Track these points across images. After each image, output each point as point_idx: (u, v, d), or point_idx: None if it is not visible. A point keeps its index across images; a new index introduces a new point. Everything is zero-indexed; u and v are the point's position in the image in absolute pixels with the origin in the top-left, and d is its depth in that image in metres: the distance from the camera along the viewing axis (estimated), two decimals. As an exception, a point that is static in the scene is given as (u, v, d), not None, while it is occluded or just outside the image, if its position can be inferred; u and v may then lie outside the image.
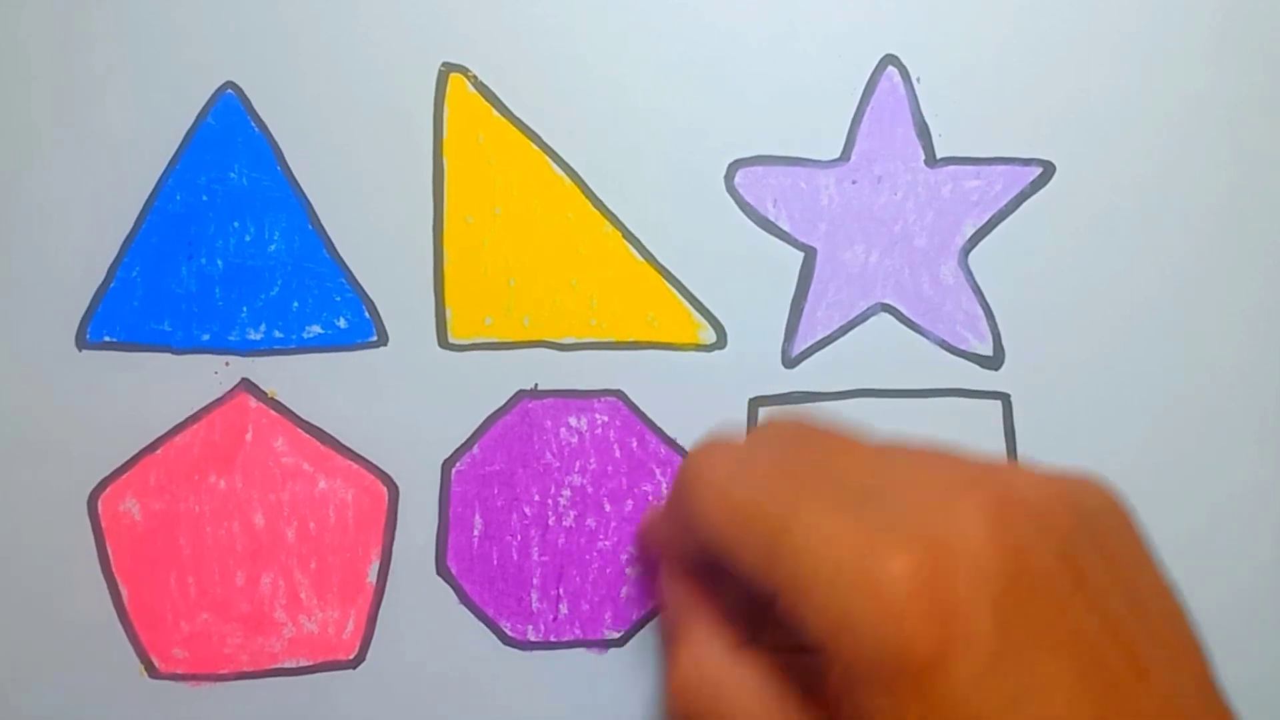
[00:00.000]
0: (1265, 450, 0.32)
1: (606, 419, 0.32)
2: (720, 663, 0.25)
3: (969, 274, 0.32)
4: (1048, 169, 0.32)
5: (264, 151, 0.32)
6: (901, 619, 0.20)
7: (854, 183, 0.32)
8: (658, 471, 0.32)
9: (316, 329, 0.32)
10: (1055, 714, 0.20)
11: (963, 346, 0.32)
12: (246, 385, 0.32)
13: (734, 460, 0.25)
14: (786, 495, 0.23)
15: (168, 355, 0.32)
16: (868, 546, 0.21)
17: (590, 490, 0.32)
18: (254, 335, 0.32)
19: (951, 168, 0.32)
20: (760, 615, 0.26)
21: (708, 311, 0.32)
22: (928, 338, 0.32)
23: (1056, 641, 0.20)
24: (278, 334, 0.32)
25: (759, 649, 0.25)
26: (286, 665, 0.32)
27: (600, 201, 0.32)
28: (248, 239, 0.32)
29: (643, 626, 0.32)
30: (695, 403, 0.32)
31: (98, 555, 0.31)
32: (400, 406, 0.32)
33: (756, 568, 0.23)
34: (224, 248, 0.32)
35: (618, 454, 0.32)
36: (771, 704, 0.24)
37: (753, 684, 0.25)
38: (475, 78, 0.32)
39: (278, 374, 0.32)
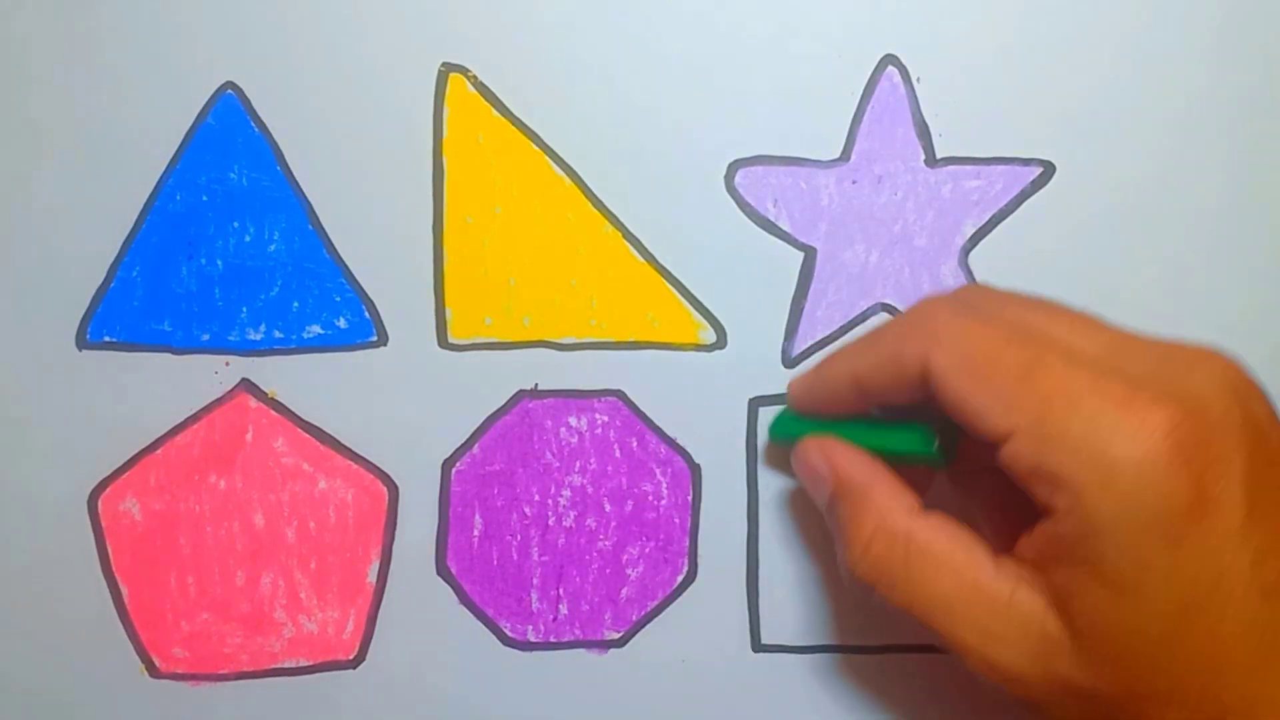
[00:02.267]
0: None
1: (606, 419, 0.32)
2: (909, 520, 0.25)
3: (969, 274, 0.32)
4: (1048, 169, 0.32)
5: (264, 151, 0.32)
6: (1166, 468, 0.21)
7: (854, 183, 0.32)
8: (658, 471, 0.32)
9: (316, 329, 0.32)
10: None
11: (963, 346, 0.32)
12: (247, 385, 0.32)
13: (966, 313, 0.25)
14: (1031, 346, 0.23)
15: (168, 355, 0.32)
16: (1128, 395, 0.22)
17: (590, 490, 0.32)
18: (254, 335, 0.32)
19: (952, 168, 0.32)
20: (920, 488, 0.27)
21: (708, 312, 0.32)
22: (928, 338, 0.32)
23: None
24: (278, 334, 0.32)
25: (939, 512, 0.26)
26: (286, 665, 0.32)
27: (600, 201, 0.32)
28: (248, 239, 0.32)
29: (642, 627, 0.32)
30: (695, 403, 0.32)
31: (98, 555, 0.31)
32: (400, 406, 0.32)
33: (995, 408, 0.23)
34: (224, 248, 0.32)
35: (618, 454, 0.32)
36: (963, 560, 0.24)
37: (943, 539, 0.25)
38: (475, 78, 0.32)
39: (278, 374, 0.32)
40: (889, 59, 0.32)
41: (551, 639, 0.32)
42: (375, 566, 0.32)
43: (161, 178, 0.31)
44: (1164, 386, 0.22)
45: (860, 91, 0.32)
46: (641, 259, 0.32)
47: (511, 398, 0.32)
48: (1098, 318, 0.25)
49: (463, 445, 0.32)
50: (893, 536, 0.25)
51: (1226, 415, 0.22)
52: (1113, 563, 0.21)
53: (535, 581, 0.32)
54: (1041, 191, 0.32)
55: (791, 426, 0.30)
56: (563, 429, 0.32)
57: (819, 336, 0.32)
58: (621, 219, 0.32)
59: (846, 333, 0.32)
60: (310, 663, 0.32)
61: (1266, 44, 0.32)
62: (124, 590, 0.31)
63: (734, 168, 0.32)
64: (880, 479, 0.27)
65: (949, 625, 0.24)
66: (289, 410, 0.32)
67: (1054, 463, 0.22)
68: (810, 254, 0.32)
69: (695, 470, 0.32)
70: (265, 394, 0.32)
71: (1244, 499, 0.21)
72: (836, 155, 0.32)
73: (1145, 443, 0.21)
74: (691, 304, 0.32)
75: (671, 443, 0.32)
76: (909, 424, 0.27)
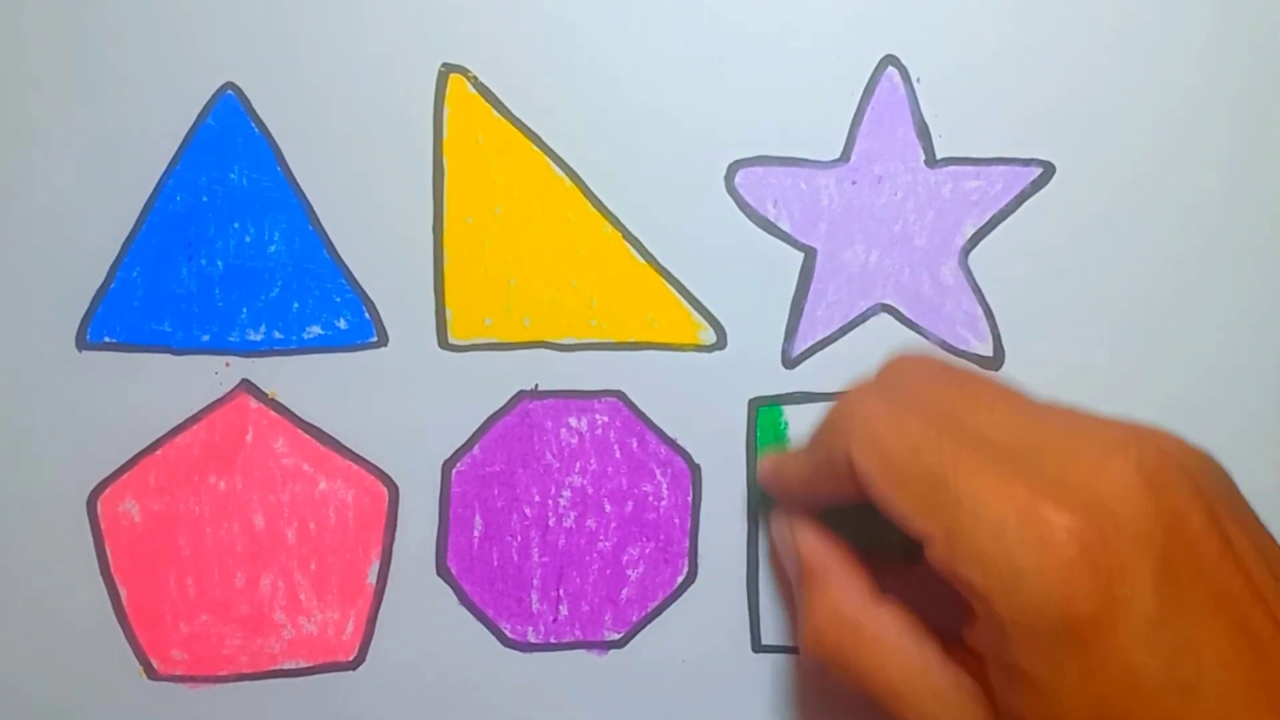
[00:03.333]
0: (1265, 450, 0.32)
1: (607, 419, 0.32)
2: (860, 608, 0.26)
3: (969, 274, 0.32)
4: (1048, 169, 0.32)
5: (264, 152, 0.32)
6: (1068, 576, 0.21)
7: (854, 183, 0.32)
8: (658, 472, 0.32)
9: (317, 329, 0.32)
10: (1210, 674, 0.21)
11: (963, 347, 0.32)
12: (247, 386, 0.32)
13: (886, 406, 0.25)
14: (945, 445, 0.23)
15: (168, 356, 0.32)
16: (1032, 503, 0.22)
17: (590, 491, 0.32)
18: (254, 336, 0.32)
19: (951, 168, 0.32)
20: (889, 565, 0.27)
21: (708, 312, 0.32)
22: (928, 338, 0.32)
23: (1209, 603, 0.21)
24: (278, 335, 0.32)
25: (894, 599, 0.26)
26: (286, 667, 0.32)
27: (600, 202, 0.32)
28: (248, 240, 0.32)
29: (643, 628, 0.32)
30: (695, 403, 0.32)
31: (97, 556, 0.31)
32: (400, 407, 0.32)
33: (911, 514, 0.23)
34: (224, 248, 0.32)
35: (618, 454, 0.32)
36: (911, 651, 0.25)
37: (893, 630, 0.25)
38: (475, 78, 0.32)
39: (278, 375, 0.32)
40: (889, 59, 0.32)
41: (552, 640, 0.32)
42: (375, 567, 0.32)
43: (162, 178, 0.31)
44: (1072, 487, 0.22)
45: (860, 92, 0.32)
46: (641, 259, 0.32)
47: (512, 398, 0.32)
48: (1023, 395, 0.25)
49: (463, 446, 0.32)
50: (843, 624, 0.26)
51: (1137, 513, 0.21)
52: (1028, 667, 0.22)
53: (535, 582, 0.32)
54: (1041, 192, 0.32)
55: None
56: (563, 429, 0.32)
57: (819, 337, 0.32)
58: (621, 219, 0.32)
59: (846, 333, 0.32)
60: (310, 664, 0.32)
61: (1265, 43, 0.32)
62: (123, 591, 0.31)
63: (734, 168, 0.32)
64: (837, 565, 0.27)
65: (898, 709, 0.25)
66: (289, 411, 0.32)
67: (965, 571, 0.22)
68: (810, 254, 0.32)
69: (695, 471, 0.32)
70: (265, 394, 0.32)
71: (1154, 599, 0.21)
72: (836, 155, 0.32)
73: (1048, 552, 0.21)
74: (691, 304, 0.32)
75: (671, 443, 0.32)
76: (878, 518, 0.27)
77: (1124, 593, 0.21)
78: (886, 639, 0.25)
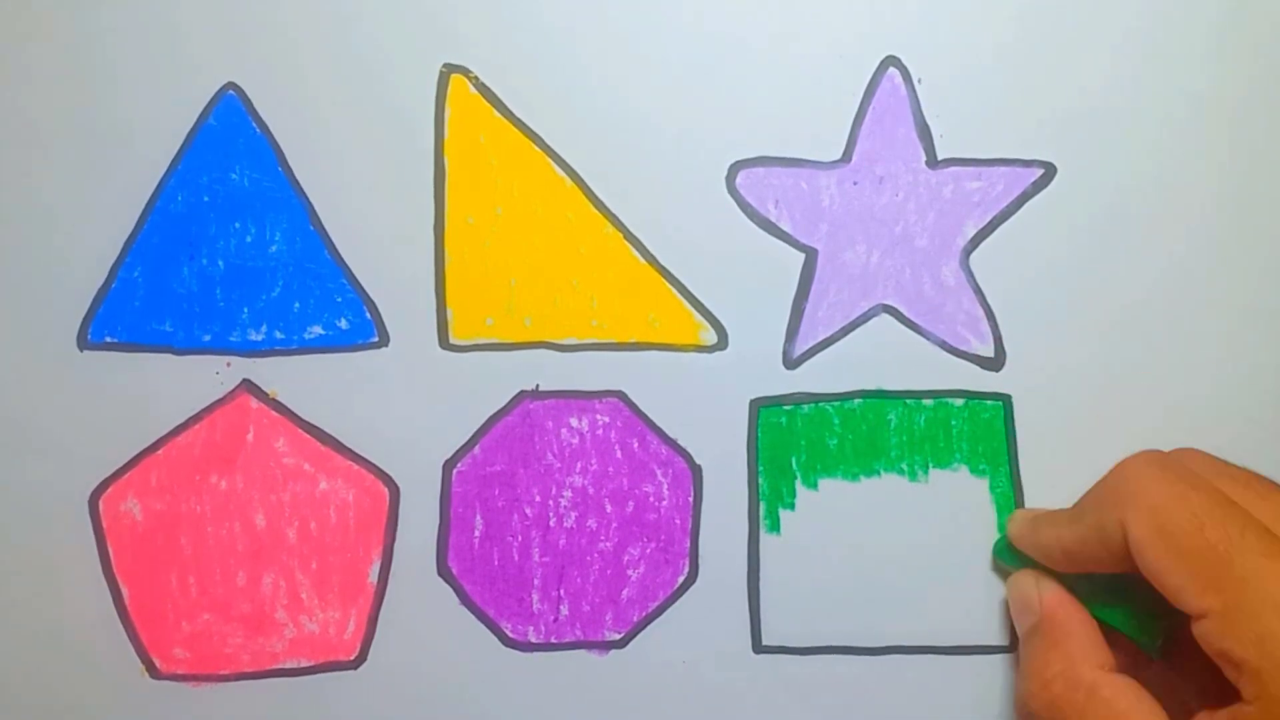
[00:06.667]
0: (1265, 450, 0.32)
1: (607, 419, 0.32)
2: (1097, 671, 0.26)
3: (970, 275, 0.32)
4: (1049, 170, 0.32)
5: (265, 152, 0.32)
6: None
7: (855, 184, 0.32)
8: (659, 472, 0.32)
9: (318, 329, 0.32)
10: None
11: (964, 347, 0.32)
12: (248, 386, 0.32)
13: (1167, 477, 0.25)
14: (1232, 522, 0.24)
15: (169, 356, 0.32)
16: None
17: (591, 491, 0.32)
18: (255, 336, 0.32)
19: (953, 169, 0.32)
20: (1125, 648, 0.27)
21: (709, 312, 0.32)
22: (929, 339, 0.32)
23: None
24: (279, 335, 0.32)
25: (1128, 675, 0.26)
26: (287, 666, 0.32)
27: (601, 202, 0.32)
28: (249, 240, 0.32)
29: (643, 628, 0.32)
30: (696, 403, 0.32)
31: (99, 555, 0.31)
32: (401, 407, 0.32)
33: (1189, 585, 0.24)
34: (225, 248, 0.32)
35: (619, 455, 0.32)
36: (1145, 717, 0.25)
37: (1126, 701, 0.25)
38: (476, 79, 0.32)
39: (279, 374, 0.32)
40: (890, 60, 0.32)
41: (552, 640, 0.32)
42: (376, 567, 0.32)
43: (163, 178, 0.31)
44: None
45: (861, 93, 0.32)
46: (643, 260, 0.32)
47: (513, 398, 0.32)
48: None
49: (464, 446, 0.32)
50: (1076, 683, 0.26)
51: None
52: None
53: (536, 582, 0.32)
54: (1042, 193, 0.32)
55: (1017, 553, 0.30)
56: (564, 430, 0.32)
57: (820, 337, 0.32)
58: (623, 220, 0.32)
59: (847, 333, 0.32)
60: (311, 663, 0.32)
61: (1266, 44, 0.32)
62: (125, 590, 0.31)
63: (735, 169, 0.32)
64: (1081, 630, 0.27)
65: None
66: (290, 411, 0.32)
67: (1243, 649, 0.22)
68: (811, 255, 0.32)
69: (696, 471, 0.32)
70: (266, 394, 0.32)
71: None
72: (838, 156, 0.32)
73: None
74: (693, 305, 0.32)
75: (672, 444, 0.32)
76: (1136, 610, 0.27)
77: None
78: (1119, 705, 0.25)
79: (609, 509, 0.32)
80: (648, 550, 0.32)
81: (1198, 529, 0.24)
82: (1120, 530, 0.25)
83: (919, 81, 0.32)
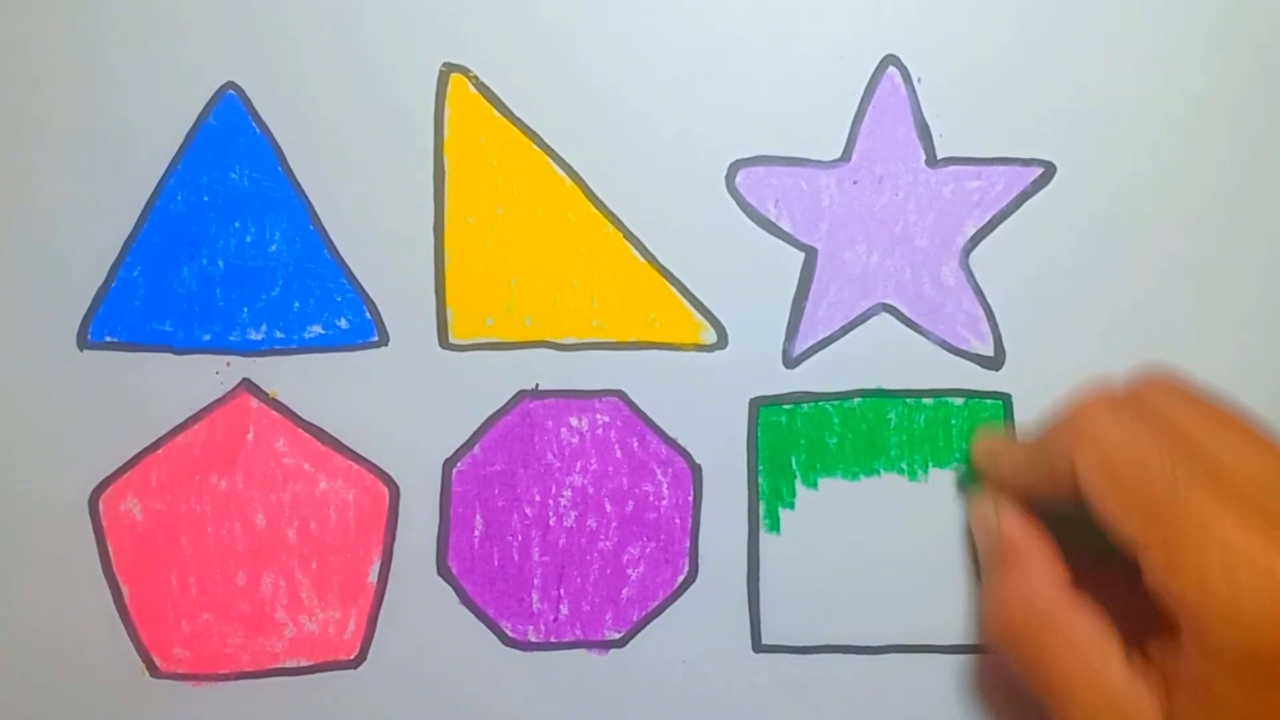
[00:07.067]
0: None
1: (607, 419, 0.32)
2: (1053, 601, 0.26)
3: (970, 274, 0.32)
4: (1048, 169, 0.32)
5: (265, 152, 0.32)
6: None
7: (855, 183, 0.32)
8: (658, 471, 0.32)
9: (317, 329, 0.32)
10: None
11: (963, 347, 0.32)
12: (248, 385, 0.32)
13: (1118, 414, 0.25)
14: (1179, 461, 0.24)
15: (169, 355, 0.32)
16: (1267, 533, 0.22)
17: (591, 490, 0.32)
18: (255, 335, 0.32)
19: (952, 168, 0.32)
20: (1082, 567, 0.27)
21: (709, 312, 0.32)
22: (928, 338, 0.32)
23: None
24: (279, 334, 0.32)
25: (1087, 596, 0.26)
26: (287, 665, 0.32)
27: (601, 202, 0.32)
28: (249, 239, 0.32)
29: (643, 627, 0.32)
30: (696, 403, 0.32)
31: (99, 555, 0.31)
32: (401, 407, 0.32)
33: (1129, 520, 0.24)
34: (225, 248, 0.32)
35: (618, 454, 0.32)
36: (1096, 645, 0.25)
37: (1083, 622, 0.25)
38: (476, 78, 0.32)
39: (279, 374, 0.32)
40: (890, 59, 0.32)
41: (552, 639, 0.32)
42: (376, 567, 0.32)
43: (163, 178, 0.32)
44: None
45: (861, 92, 0.32)
46: (642, 259, 0.32)
47: (512, 398, 0.32)
48: (1268, 436, 0.25)
49: (464, 445, 0.32)
50: (1030, 608, 0.26)
51: None
52: (1223, 693, 0.22)
53: (536, 582, 0.32)
54: (1042, 192, 0.32)
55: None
56: (563, 429, 0.32)
57: (820, 337, 0.32)
58: (622, 219, 0.32)
59: (847, 333, 0.32)
60: (311, 663, 0.32)
61: (1266, 44, 0.32)
62: (125, 590, 0.31)
63: (735, 168, 0.32)
64: (1037, 549, 0.27)
65: (1064, 706, 0.25)
66: (290, 410, 0.32)
67: (1179, 585, 0.22)
68: (811, 254, 0.32)
69: (696, 470, 0.32)
70: (266, 394, 0.32)
71: None
72: (837, 156, 0.32)
73: (1275, 583, 0.21)
74: (692, 304, 0.32)
75: (672, 443, 0.32)
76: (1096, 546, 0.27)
77: None
78: (1074, 637, 0.25)
79: (609, 508, 0.32)
80: (647, 550, 0.32)
81: (1142, 465, 0.24)
82: (1070, 467, 0.25)
83: (919, 81, 0.32)
